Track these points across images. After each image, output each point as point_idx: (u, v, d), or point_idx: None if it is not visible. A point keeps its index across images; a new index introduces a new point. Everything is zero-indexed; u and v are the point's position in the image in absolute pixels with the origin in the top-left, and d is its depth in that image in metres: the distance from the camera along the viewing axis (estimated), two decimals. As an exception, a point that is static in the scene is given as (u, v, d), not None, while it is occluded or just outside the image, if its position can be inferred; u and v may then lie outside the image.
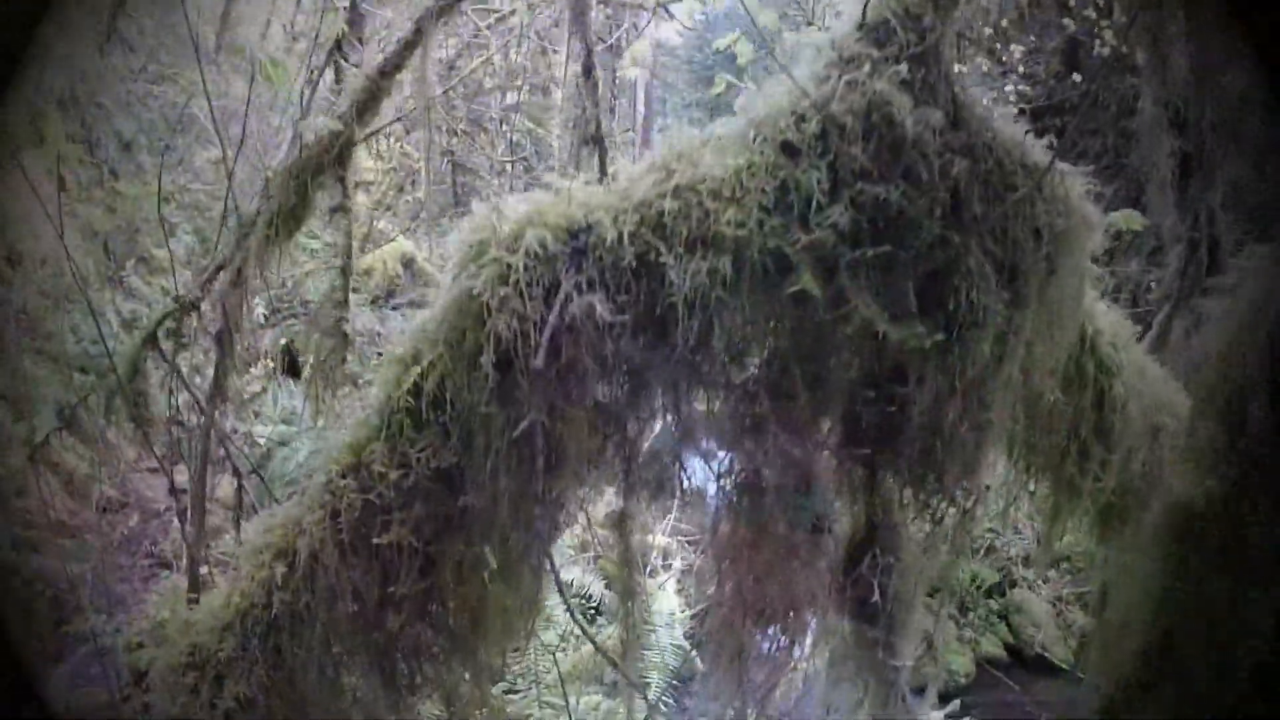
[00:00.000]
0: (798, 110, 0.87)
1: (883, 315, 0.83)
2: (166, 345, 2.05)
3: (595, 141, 2.01)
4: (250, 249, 1.89)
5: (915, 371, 0.93)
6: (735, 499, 0.95)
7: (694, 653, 4.93)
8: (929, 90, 0.98)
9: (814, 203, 0.82)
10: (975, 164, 1.00)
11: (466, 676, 1.10)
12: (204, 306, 2.12)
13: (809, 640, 1.05)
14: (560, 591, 0.88)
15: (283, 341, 6.08)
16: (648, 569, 5.09)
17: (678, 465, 0.96)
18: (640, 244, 0.81)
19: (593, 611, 4.96)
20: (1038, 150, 1.09)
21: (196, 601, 1.27)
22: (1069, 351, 1.48)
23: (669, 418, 0.94)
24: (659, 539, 5.44)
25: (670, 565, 5.19)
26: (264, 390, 6.30)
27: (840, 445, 0.97)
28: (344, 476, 1.01)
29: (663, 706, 4.36)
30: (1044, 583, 7.58)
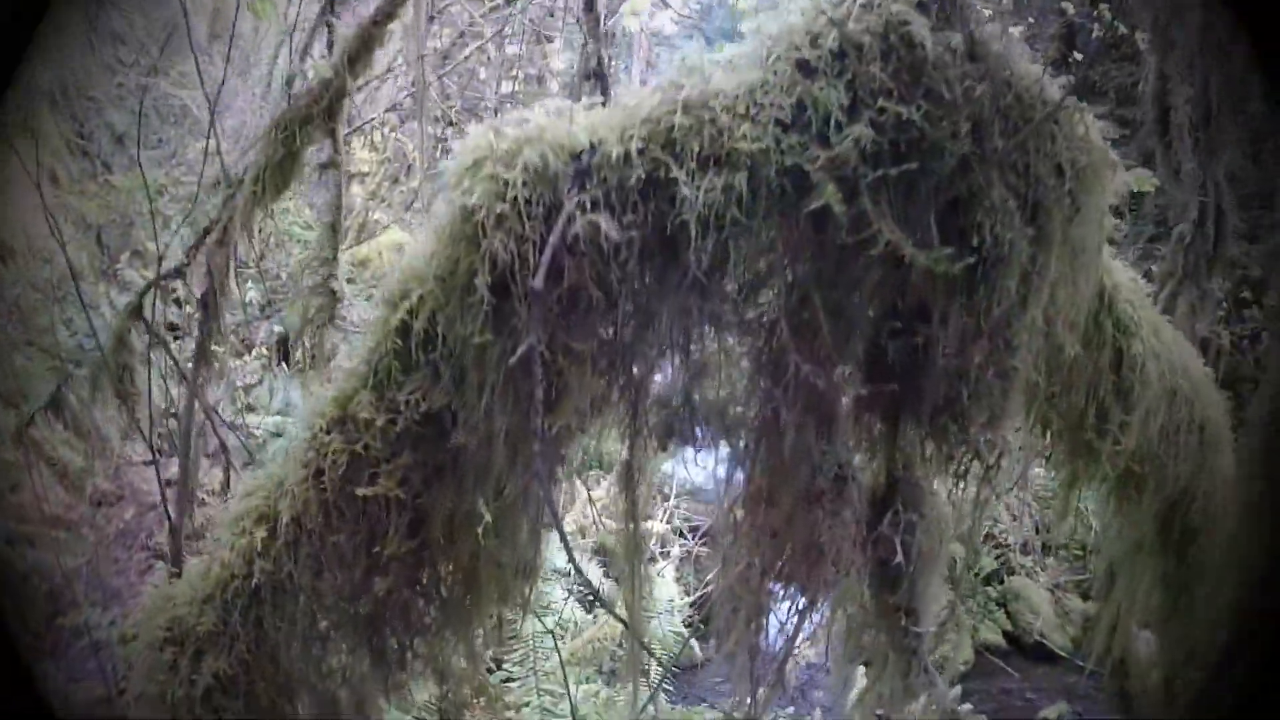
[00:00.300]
0: (813, 30, 0.82)
1: (906, 240, 0.78)
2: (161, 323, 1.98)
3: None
4: (236, 207, 1.83)
5: (939, 308, 0.88)
6: (752, 445, 0.89)
7: (693, 641, 4.89)
8: (945, 20, 0.93)
9: (833, 120, 0.78)
10: (995, 96, 0.95)
11: (460, 650, 1.05)
12: (192, 282, 2.06)
13: (827, 604, 0.99)
14: (562, 537, 0.83)
15: (277, 330, 6.02)
16: (646, 556, 5.04)
17: (688, 410, 0.91)
18: (649, 161, 0.76)
19: (591, 601, 4.91)
20: (1055, 88, 1.05)
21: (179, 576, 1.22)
22: (1089, 306, 1.44)
23: (678, 359, 0.88)
24: (656, 527, 5.40)
25: (669, 553, 5.15)
26: (260, 382, 6.25)
27: (861, 389, 0.91)
28: (329, 432, 0.96)
29: (664, 694, 4.32)
30: (1042, 570, 7.57)
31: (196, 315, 1.89)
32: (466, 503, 0.92)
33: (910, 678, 1.01)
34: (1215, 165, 3.02)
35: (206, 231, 1.91)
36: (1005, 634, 7.16)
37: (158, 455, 3.16)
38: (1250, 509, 1.59)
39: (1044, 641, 6.96)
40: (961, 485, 1.06)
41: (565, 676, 2.34)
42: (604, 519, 5.05)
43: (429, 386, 0.88)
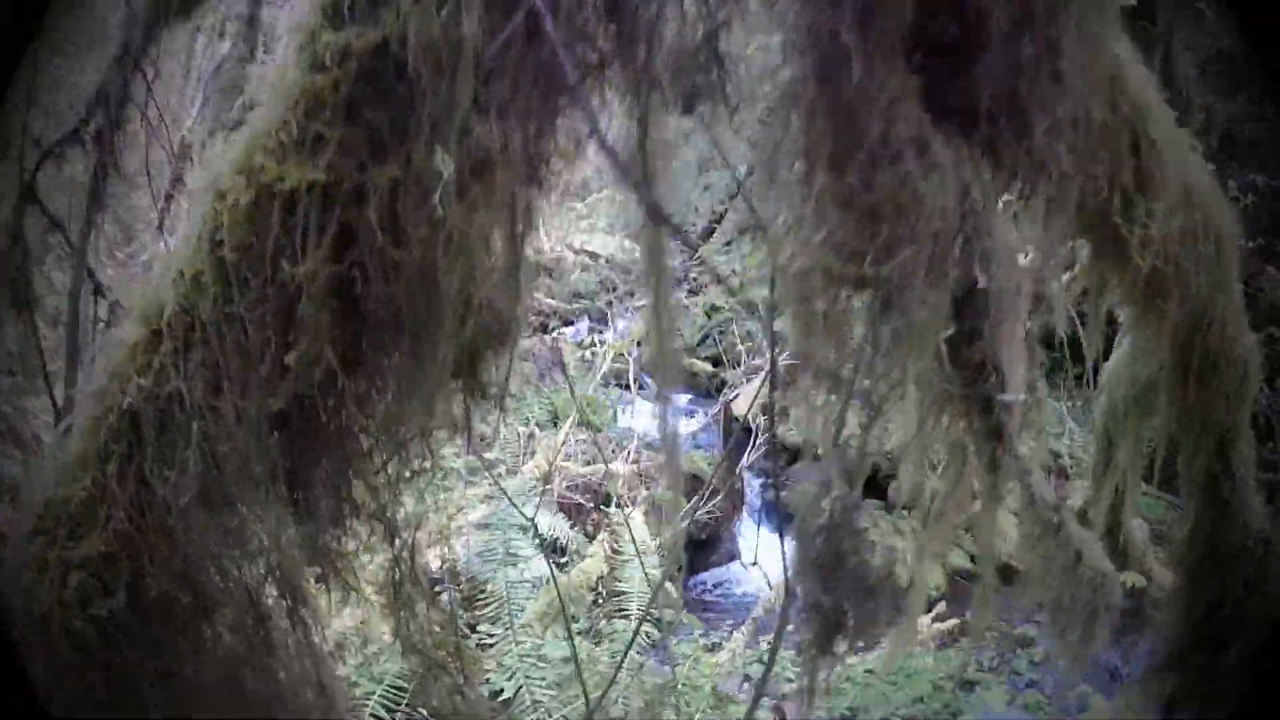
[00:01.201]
0: None
1: None
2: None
3: None
4: (137, 35, 1.53)
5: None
6: (811, 64, 0.64)
7: (669, 585, 4.72)
8: None
9: None
10: None
11: (417, 442, 0.80)
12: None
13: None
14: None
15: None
16: (613, 502, 4.86)
17: (715, 61, 0.68)
18: None
19: (561, 560, 4.71)
20: None
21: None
22: (1106, 71, 1.29)
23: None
24: (622, 469, 5.21)
25: (635, 498, 4.97)
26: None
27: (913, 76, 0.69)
28: (235, 177, 0.71)
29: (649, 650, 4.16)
30: (1006, 494, 7.64)
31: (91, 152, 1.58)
32: (419, 166, 0.65)
33: (998, 458, 0.82)
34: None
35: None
36: (973, 558, 7.22)
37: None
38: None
39: (1012, 563, 7.03)
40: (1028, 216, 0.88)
41: (566, 614, 2.12)
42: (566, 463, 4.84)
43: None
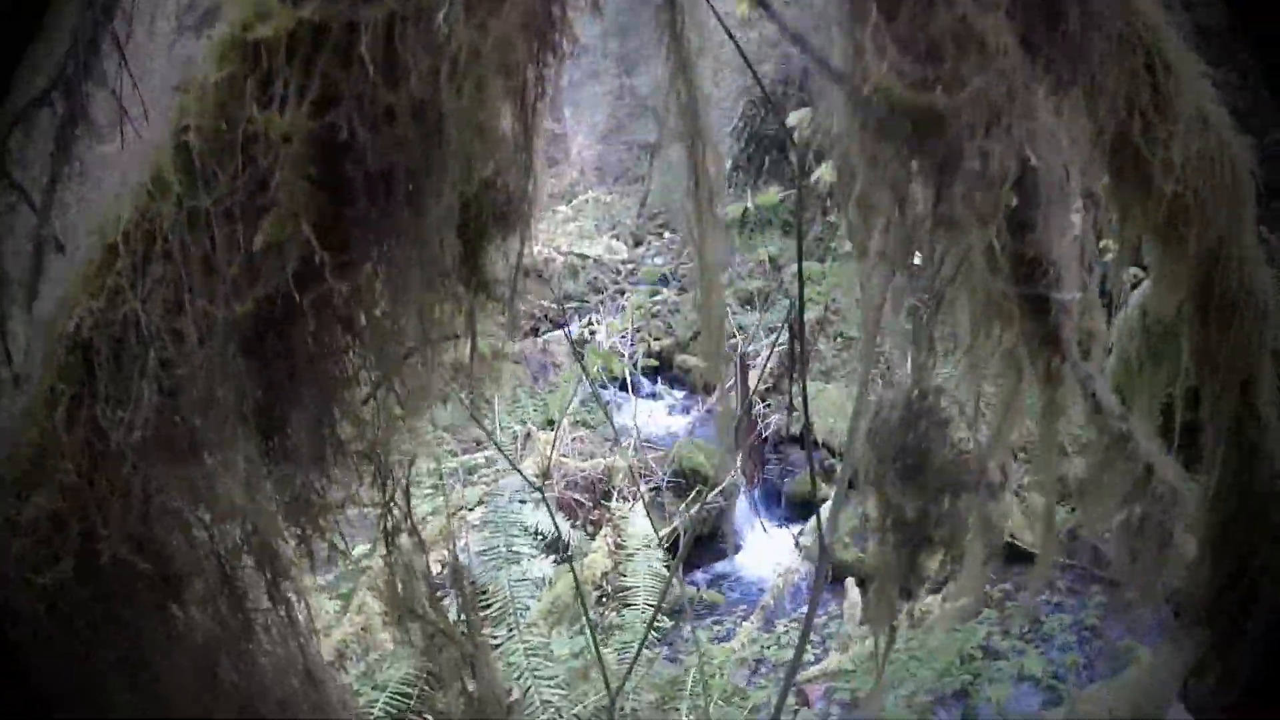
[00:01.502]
0: None
1: None
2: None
3: None
4: None
5: None
6: None
7: (674, 580, 4.62)
8: None
9: None
10: None
11: (407, 377, 0.69)
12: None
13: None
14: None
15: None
16: (613, 498, 4.76)
17: None
18: None
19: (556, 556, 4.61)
20: None
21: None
22: None
23: None
24: (619, 462, 5.11)
25: (636, 492, 4.87)
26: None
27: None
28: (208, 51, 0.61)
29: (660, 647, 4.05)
30: (1005, 474, 7.61)
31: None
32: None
33: (1056, 368, 0.73)
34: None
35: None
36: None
37: None
38: None
39: (1014, 541, 7.00)
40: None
41: (584, 601, 2.02)
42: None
43: None
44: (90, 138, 1.46)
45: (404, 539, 0.81)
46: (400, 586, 0.83)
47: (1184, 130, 1.41)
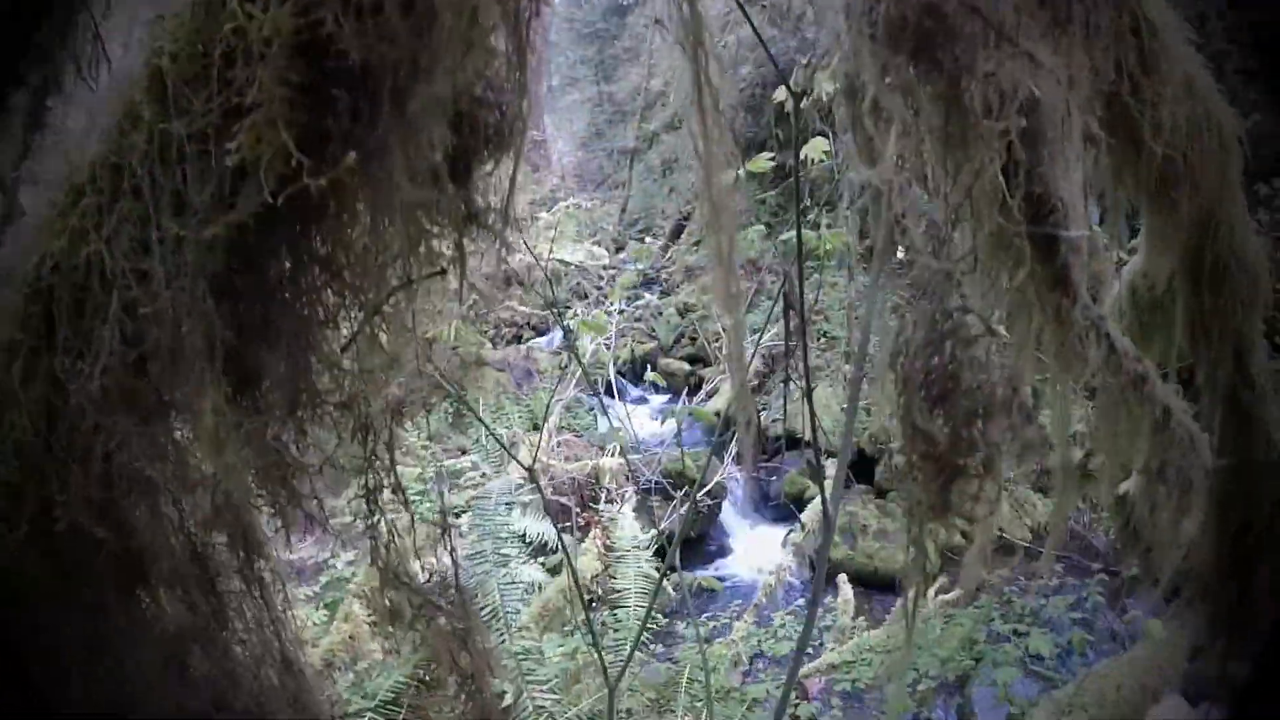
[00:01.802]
0: None
1: None
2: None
3: None
4: None
5: None
6: None
7: (667, 580, 4.57)
8: None
9: None
10: None
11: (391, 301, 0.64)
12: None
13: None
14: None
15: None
16: (601, 500, 4.71)
17: None
18: None
19: (542, 560, 4.54)
20: None
21: None
22: None
23: None
24: (608, 462, 5.05)
25: (625, 494, 4.82)
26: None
27: None
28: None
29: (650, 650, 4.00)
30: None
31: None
32: None
33: (1066, 310, 0.70)
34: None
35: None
36: (963, 534, 7.13)
37: None
38: None
39: (1004, 534, 7.02)
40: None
41: (579, 594, 1.97)
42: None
43: None
44: (64, 105, 1.41)
45: (386, 495, 0.76)
46: (384, 551, 0.78)
47: (1171, 94, 1.40)
